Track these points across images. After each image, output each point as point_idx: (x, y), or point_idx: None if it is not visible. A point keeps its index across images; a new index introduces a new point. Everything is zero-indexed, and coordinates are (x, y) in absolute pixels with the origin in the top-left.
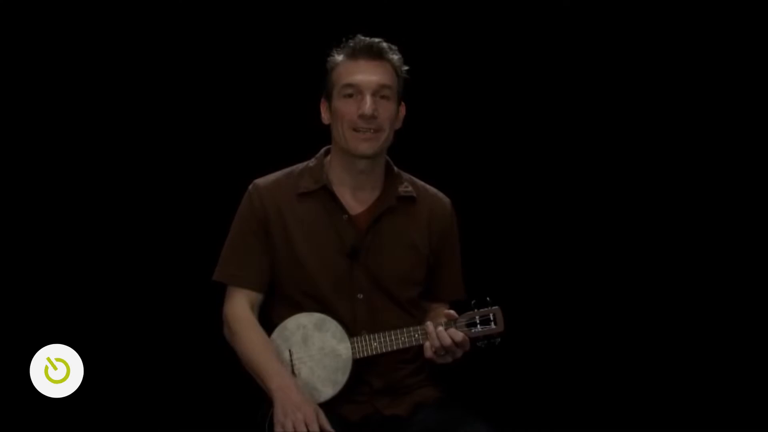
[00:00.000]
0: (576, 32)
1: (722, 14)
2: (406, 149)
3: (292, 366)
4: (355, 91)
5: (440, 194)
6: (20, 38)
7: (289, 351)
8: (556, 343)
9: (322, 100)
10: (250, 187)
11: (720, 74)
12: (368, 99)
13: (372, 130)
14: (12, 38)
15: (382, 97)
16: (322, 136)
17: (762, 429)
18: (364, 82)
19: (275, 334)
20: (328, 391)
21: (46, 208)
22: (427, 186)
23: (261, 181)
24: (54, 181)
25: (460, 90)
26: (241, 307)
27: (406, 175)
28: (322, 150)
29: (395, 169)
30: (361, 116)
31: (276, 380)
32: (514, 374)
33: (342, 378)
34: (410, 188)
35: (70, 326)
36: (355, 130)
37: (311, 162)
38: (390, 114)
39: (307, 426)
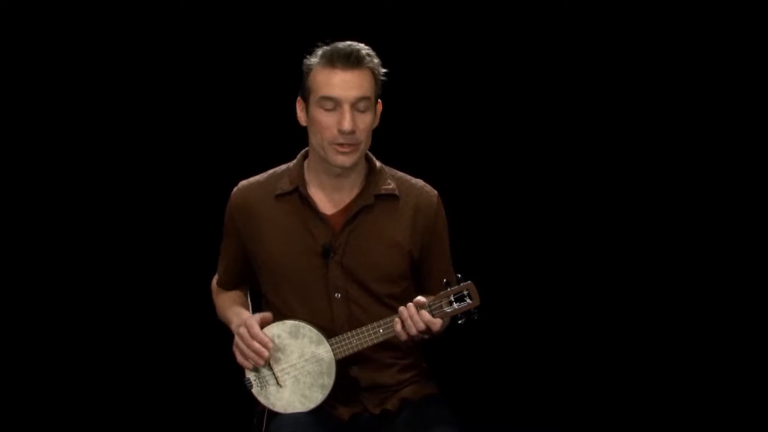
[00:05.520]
0: (575, 31)
1: (722, 14)
2: (393, 142)
3: (276, 379)
4: (333, 104)
5: (427, 188)
6: (12, 41)
7: (269, 365)
8: (549, 337)
9: (299, 99)
10: (235, 188)
11: (720, 74)
12: (347, 114)
13: (351, 145)
14: (7, 39)
15: (360, 110)
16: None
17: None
18: (342, 96)
19: None
20: (317, 396)
21: (45, 209)
22: (413, 180)
23: (243, 182)
24: (52, 181)
25: (453, 85)
26: (213, 284)
27: (391, 171)
28: (302, 151)
29: (377, 165)
30: (341, 132)
31: (235, 321)
32: (510, 371)
33: (329, 381)
34: (392, 185)
35: (69, 327)
36: (335, 144)
37: (292, 163)
38: (367, 125)
39: (248, 329)
